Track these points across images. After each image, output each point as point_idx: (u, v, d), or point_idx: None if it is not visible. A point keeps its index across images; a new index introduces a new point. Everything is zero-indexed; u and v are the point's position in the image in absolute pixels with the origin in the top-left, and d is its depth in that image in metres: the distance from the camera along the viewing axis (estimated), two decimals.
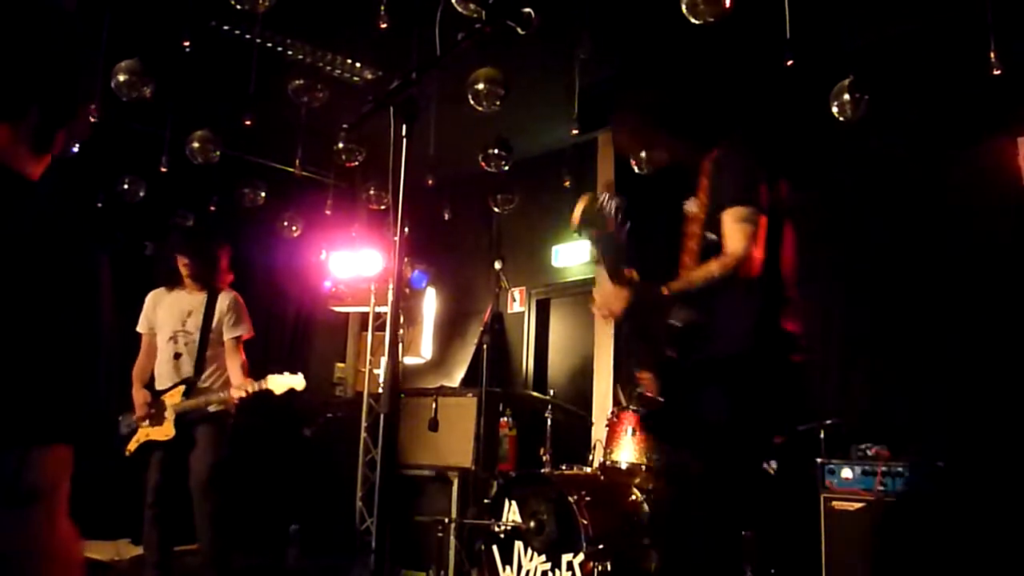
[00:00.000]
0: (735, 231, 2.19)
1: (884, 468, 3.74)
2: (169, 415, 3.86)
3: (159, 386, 3.99)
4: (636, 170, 4.50)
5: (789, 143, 4.90)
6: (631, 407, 4.11)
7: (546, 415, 4.47)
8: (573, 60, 4.36)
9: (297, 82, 4.63)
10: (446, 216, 6.03)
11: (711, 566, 2.21)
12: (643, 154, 4.11)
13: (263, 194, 5.82)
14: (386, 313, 6.07)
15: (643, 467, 3.98)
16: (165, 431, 3.85)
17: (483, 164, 4.99)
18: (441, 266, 6.66)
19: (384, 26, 3.80)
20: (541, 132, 6.01)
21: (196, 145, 4.92)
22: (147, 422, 3.90)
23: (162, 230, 5.67)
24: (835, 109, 3.86)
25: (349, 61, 5.39)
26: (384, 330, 6.16)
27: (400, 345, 1.75)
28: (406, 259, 1.71)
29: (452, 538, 4.93)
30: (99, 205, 5.69)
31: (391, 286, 1.88)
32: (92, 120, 4.02)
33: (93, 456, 1.00)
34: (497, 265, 5.00)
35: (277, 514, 6.07)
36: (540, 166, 6.22)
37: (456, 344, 7.11)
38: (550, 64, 4.77)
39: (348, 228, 6.38)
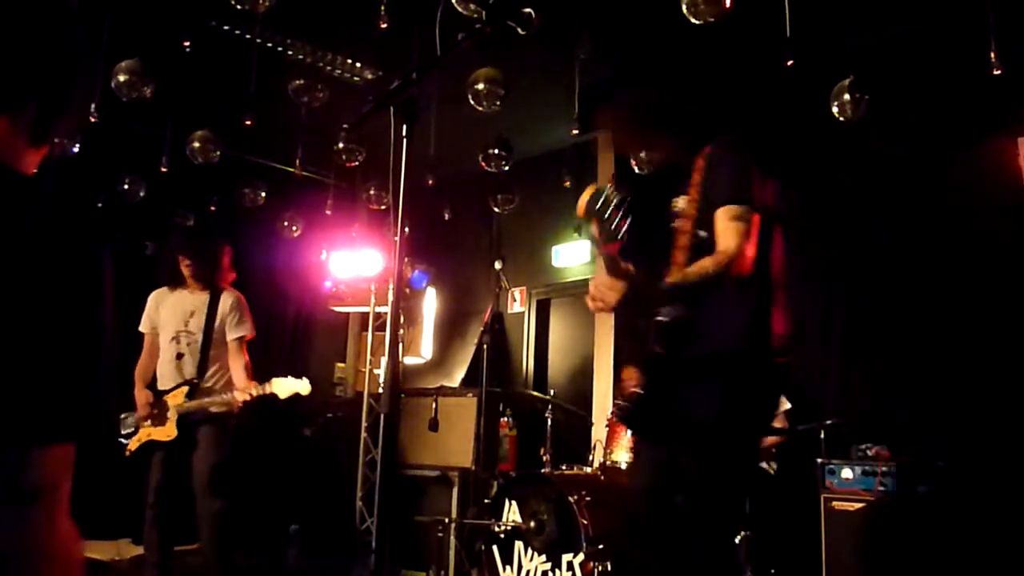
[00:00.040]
0: (729, 229, 2.19)
1: (884, 468, 3.74)
2: (172, 415, 3.85)
3: (161, 386, 3.98)
4: (636, 170, 4.50)
5: (789, 143, 4.90)
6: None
7: (546, 415, 4.46)
8: (573, 60, 4.36)
9: (297, 82, 4.63)
10: (446, 216, 6.03)
11: (708, 565, 2.21)
12: (642, 153, 4.11)
13: (263, 194, 5.82)
14: (386, 313, 6.07)
15: None
16: (167, 431, 3.84)
17: (483, 164, 5.00)
18: (441, 266, 6.66)
19: (384, 26, 3.80)
20: (541, 132, 6.01)
21: (196, 145, 4.92)
22: (149, 422, 3.90)
23: (162, 230, 5.68)
24: (835, 109, 3.86)
25: (349, 61, 5.39)
26: (384, 330, 6.16)
27: (400, 345, 1.75)
28: (406, 259, 1.71)
29: (452, 538, 4.93)
30: (99, 205, 5.69)
31: (391, 286, 1.89)
32: (92, 120, 4.04)
33: (93, 456, 1.00)
34: (497, 265, 5.00)
35: (277, 514, 6.08)
36: (540, 166, 6.22)
37: (456, 344, 7.11)
38: (550, 64, 4.77)
39: (348, 228, 6.39)
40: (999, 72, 3.37)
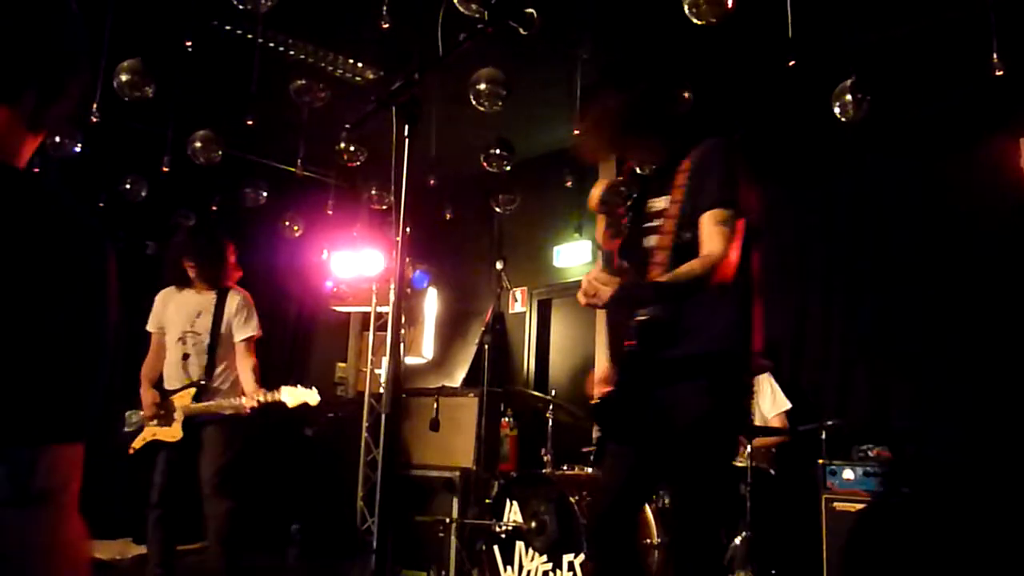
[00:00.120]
0: (715, 233, 2.19)
1: (885, 469, 3.74)
2: (178, 416, 3.84)
3: (167, 386, 3.96)
4: (637, 170, 4.49)
5: (790, 143, 4.90)
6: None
7: (547, 415, 4.47)
8: (575, 60, 4.36)
9: (299, 82, 4.64)
10: (448, 216, 6.03)
11: (699, 561, 2.23)
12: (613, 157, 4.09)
13: (265, 194, 5.83)
14: (387, 313, 6.07)
15: None
16: (173, 433, 3.83)
17: (484, 164, 4.99)
18: (442, 266, 6.67)
19: (386, 26, 3.80)
20: (542, 132, 6.01)
21: (198, 145, 4.92)
22: (155, 422, 3.89)
23: (164, 230, 5.68)
24: (837, 109, 3.86)
25: (351, 61, 5.39)
26: (385, 330, 6.17)
27: (402, 345, 1.75)
28: (407, 259, 1.70)
29: (453, 538, 4.93)
30: (101, 204, 5.70)
31: (393, 286, 1.88)
32: (94, 119, 4.04)
33: (95, 455, 1.00)
34: (498, 265, 5.00)
35: (278, 514, 6.08)
36: (541, 166, 6.22)
37: (457, 344, 7.11)
38: (552, 64, 4.77)
39: (350, 228, 6.38)
40: (1001, 73, 3.37)
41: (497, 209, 5.81)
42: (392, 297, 1.81)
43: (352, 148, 5.17)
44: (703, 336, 2.25)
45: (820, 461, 3.91)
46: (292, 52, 5.26)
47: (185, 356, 3.95)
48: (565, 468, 4.27)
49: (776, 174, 4.85)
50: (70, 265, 0.87)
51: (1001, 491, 3.58)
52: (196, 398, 3.86)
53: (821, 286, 4.81)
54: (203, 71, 5.14)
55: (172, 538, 3.83)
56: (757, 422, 4.24)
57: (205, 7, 4.45)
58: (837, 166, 4.84)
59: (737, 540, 3.77)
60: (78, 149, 4.81)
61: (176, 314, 4.02)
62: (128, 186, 5.62)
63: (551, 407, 4.50)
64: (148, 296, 4.17)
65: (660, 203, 2.39)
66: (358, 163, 5.26)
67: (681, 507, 2.34)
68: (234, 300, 4.02)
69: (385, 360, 5.11)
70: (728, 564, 3.73)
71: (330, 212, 6.04)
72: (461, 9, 3.35)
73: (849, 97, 3.81)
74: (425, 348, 6.81)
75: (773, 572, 3.81)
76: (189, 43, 3.90)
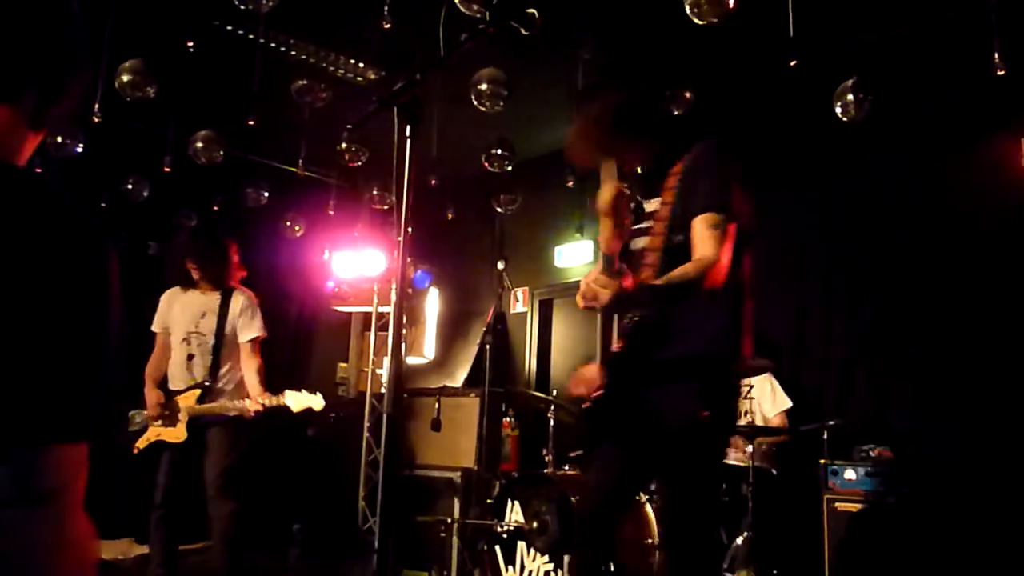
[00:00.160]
0: (707, 237, 2.19)
1: (886, 469, 3.74)
2: (183, 417, 3.84)
3: (172, 387, 3.97)
4: (638, 171, 4.49)
5: (791, 143, 4.90)
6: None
7: (549, 415, 4.47)
8: (575, 60, 4.36)
9: (300, 82, 4.64)
10: (449, 216, 6.03)
11: (692, 560, 2.24)
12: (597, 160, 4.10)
13: (266, 194, 5.83)
14: (389, 313, 6.07)
15: None
16: (177, 433, 3.83)
17: (486, 164, 5.00)
18: (444, 266, 6.67)
19: (387, 26, 3.80)
20: (544, 132, 6.01)
21: (199, 145, 4.93)
22: (159, 422, 3.89)
23: (166, 230, 5.69)
24: (838, 109, 3.86)
25: (352, 61, 5.39)
26: (387, 330, 6.17)
27: (403, 345, 1.75)
28: (409, 259, 1.71)
29: (455, 538, 4.93)
30: (103, 205, 5.70)
31: (394, 286, 1.88)
32: (95, 120, 4.04)
33: (98, 454, 1.00)
34: (500, 265, 5.00)
35: (280, 513, 6.09)
36: (543, 166, 6.22)
37: (459, 344, 7.11)
38: (553, 64, 4.77)
39: (351, 228, 6.39)
40: (1002, 73, 3.37)
41: (498, 209, 5.81)
42: (393, 297, 1.81)
43: (353, 148, 5.17)
44: (694, 338, 2.25)
45: (821, 461, 3.91)
46: (293, 52, 5.26)
47: (190, 357, 3.94)
48: (566, 468, 4.27)
49: (777, 174, 4.85)
50: (71, 265, 0.87)
51: (1001, 491, 3.58)
52: (201, 399, 3.86)
53: (821, 286, 4.81)
54: (204, 71, 5.14)
55: (174, 538, 3.83)
56: (758, 421, 4.24)
57: (206, 7, 4.45)
58: (838, 166, 4.84)
59: (739, 540, 3.77)
60: (80, 149, 4.81)
61: (181, 315, 4.02)
62: (130, 186, 5.63)
63: (552, 407, 4.50)
64: (150, 296, 4.17)
65: (651, 205, 2.40)
66: (359, 163, 5.26)
67: (672, 507, 2.37)
68: (238, 301, 4.02)
69: (386, 360, 5.12)
70: (730, 564, 3.74)
71: (331, 212, 6.05)
72: (462, 9, 3.35)
73: (850, 97, 3.81)
74: (427, 348, 6.82)
75: (774, 572, 3.82)
76: (191, 43, 3.91)
